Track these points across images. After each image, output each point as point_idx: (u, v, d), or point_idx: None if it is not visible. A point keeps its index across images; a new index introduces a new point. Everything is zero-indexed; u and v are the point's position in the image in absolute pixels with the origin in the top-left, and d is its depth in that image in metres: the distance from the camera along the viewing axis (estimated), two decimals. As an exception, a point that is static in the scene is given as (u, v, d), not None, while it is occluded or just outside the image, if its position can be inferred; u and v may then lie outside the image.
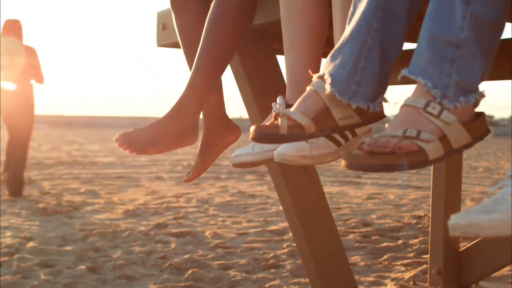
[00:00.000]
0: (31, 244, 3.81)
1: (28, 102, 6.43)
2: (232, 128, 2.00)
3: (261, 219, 4.85)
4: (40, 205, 5.31)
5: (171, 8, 1.99)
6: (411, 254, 3.71)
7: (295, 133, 1.31)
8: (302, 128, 1.31)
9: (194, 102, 1.79)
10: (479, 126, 1.18)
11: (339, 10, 1.52)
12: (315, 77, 1.35)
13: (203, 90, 1.80)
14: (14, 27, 6.51)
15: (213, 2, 1.84)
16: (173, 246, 3.84)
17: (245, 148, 1.59)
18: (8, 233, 4.15)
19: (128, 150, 1.83)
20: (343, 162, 1.13)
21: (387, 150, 1.09)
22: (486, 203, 0.86)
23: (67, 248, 3.76)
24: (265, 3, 1.96)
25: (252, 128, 1.32)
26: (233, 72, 2.20)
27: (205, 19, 1.87)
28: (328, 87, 1.30)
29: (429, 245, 2.79)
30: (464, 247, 2.68)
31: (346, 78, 1.30)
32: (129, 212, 5.14)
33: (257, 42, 2.15)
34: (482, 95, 1.15)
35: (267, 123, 1.37)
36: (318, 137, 1.42)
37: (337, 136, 1.52)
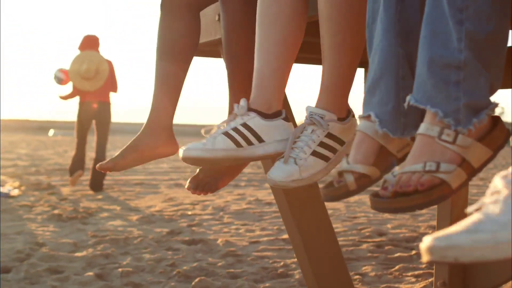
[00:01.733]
0: (42, 250, 3.82)
1: (107, 108, 7.39)
2: (170, 142, 2.02)
3: (275, 227, 4.82)
4: (56, 211, 5.33)
5: (160, 8, 1.99)
6: (424, 265, 3.65)
7: (364, 184, 1.33)
8: (368, 177, 1.32)
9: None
10: (499, 135, 1.16)
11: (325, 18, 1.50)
12: (360, 117, 1.35)
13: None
14: (93, 43, 7.37)
15: (221, 18, 1.84)
16: (183, 253, 3.83)
17: (196, 143, 1.57)
18: (21, 238, 4.17)
19: (203, 194, 1.88)
20: (371, 204, 1.14)
21: (411, 189, 1.09)
22: (468, 223, 0.81)
23: (78, 254, 3.76)
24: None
25: (322, 192, 1.35)
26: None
27: (192, 29, 1.88)
28: (378, 128, 1.29)
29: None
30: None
31: (392, 115, 1.30)
32: (143, 219, 5.14)
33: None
34: (494, 107, 1.13)
35: (335, 183, 1.35)
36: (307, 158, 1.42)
37: (324, 151, 1.51)
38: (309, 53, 2.19)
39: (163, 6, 2.00)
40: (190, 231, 4.63)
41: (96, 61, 7.23)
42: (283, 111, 1.64)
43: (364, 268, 3.58)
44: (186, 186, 1.90)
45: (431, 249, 0.79)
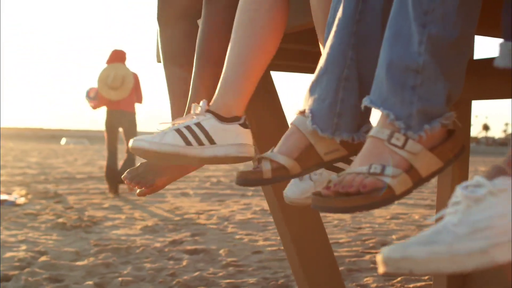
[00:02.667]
0: (43, 258, 3.81)
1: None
2: None
3: (278, 238, 4.79)
4: (60, 220, 5.33)
5: (157, 22, 1.98)
6: (426, 277, 3.62)
7: (280, 176, 1.30)
8: (287, 170, 1.30)
9: None
10: (452, 147, 1.12)
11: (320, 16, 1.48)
12: (296, 112, 1.33)
13: None
14: (119, 56, 7.89)
15: (201, 19, 1.82)
16: (184, 263, 3.81)
17: (147, 136, 1.55)
18: (23, 246, 4.16)
19: (137, 187, 1.84)
20: (311, 203, 1.11)
21: (352, 190, 1.05)
22: (425, 234, 0.78)
23: (79, 263, 3.75)
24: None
25: (237, 174, 1.33)
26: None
27: (191, 36, 1.87)
28: (309, 124, 1.27)
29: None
30: (470, 271, 2.59)
31: (326, 112, 1.27)
32: (147, 228, 5.13)
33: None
34: (450, 117, 1.10)
35: (252, 168, 1.35)
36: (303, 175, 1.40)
37: (339, 164, 1.48)
38: (302, 62, 2.18)
39: (159, 19, 2.00)
40: (193, 240, 4.61)
41: (122, 72, 7.71)
42: (243, 118, 1.62)
43: (366, 279, 3.55)
44: (122, 176, 1.86)
45: (386, 260, 0.76)
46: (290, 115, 2.21)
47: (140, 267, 3.67)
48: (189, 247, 4.29)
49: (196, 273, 3.50)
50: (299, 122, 1.31)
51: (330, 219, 5.75)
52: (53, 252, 4.03)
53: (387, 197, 1.05)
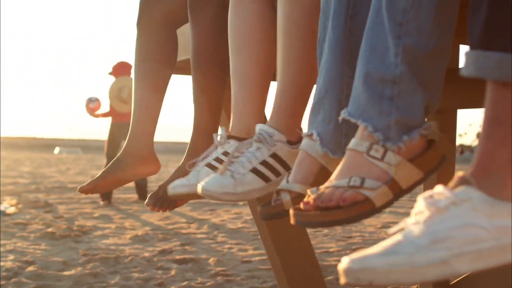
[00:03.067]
0: (31, 268, 3.79)
1: None
2: (151, 160, 2.01)
3: (268, 246, 4.78)
4: (49, 229, 5.31)
5: (136, 27, 1.99)
6: (415, 286, 3.61)
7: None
8: (305, 196, 1.30)
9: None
10: (431, 158, 1.11)
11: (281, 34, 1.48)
12: (304, 136, 1.33)
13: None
14: (126, 69, 7.93)
15: (190, 30, 1.83)
16: (173, 272, 3.80)
17: (182, 180, 1.56)
18: (11, 256, 4.14)
19: (161, 210, 1.86)
20: (291, 219, 1.10)
21: (332, 204, 1.04)
22: (386, 245, 0.77)
23: (66, 273, 3.73)
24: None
25: (259, 209, 1.34)
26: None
27: (169, 43, 1.88)
28: (319, 148, 1.27)
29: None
30: (455, 281, 2.59)
31: (333, 134, 1.27)
32: (137, 237, 5.11)
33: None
34: (428, 128, 1.10)
35: (272, 201, 1.34)
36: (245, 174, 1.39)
37: (265, 171, 1.47)
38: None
39: (139, 24, 2.00)
40: (182, 250, 4.60)
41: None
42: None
43: (354, 288, 3.54)
44: (145, 202, 1.87)
45: (346, 271, 0.75)
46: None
47: (128, 277, 3.65)
48: (178, 257, 4.28)
49: (184, 283, 3.49)
50: (307, 146, 1.31)
51: (320, 228, 5.74)
52: (41, 262, 4.01)
53: (367, 210, 1.04)
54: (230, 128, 1.61)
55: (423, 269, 0.72)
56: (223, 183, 1.43)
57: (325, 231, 5.56)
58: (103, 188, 2.00)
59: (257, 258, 4.31)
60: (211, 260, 4.19)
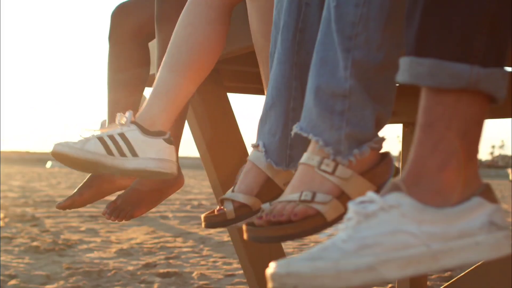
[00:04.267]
0: (13, 282, 3.78)
1: None
2: None
3: (253, 260, 4.78)
4: (34, 243, 5.29)
5: (108, 41, 2.00)
6: (389, 285, 3.62)
7: (243, 214, 1.32)
8: (249, 207, 1.31)
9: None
10: (384, 171, 1.12)
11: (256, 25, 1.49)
12: (251, 146, 1.34)
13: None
14: None
15: (156, 45, 1.84)
16: (155, 286, 3.79)
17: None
18: (-6, 270, 4.13)
19: (117, 220, 1.86)
20: (244, 234, 1.11)
21: (283, 218, 1.05)
22: (313, 250, 0.78)
23: (48, 286, 3.72)
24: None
25: (202, 218, 1.35)
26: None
27: (139, 56, 1.89)
28: (264, 159, 1.28)
29: (396, 283, 2.72)
30: (446, 284, 2.60)
31: (278, 146, 1.28)
32: (122, 251, 5.10)
33: (207, 80, 2.13)
34: (380, 140, 1.11)
35: (216, 210, 1.36)
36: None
37: (110, 144, 1.52)
38: (259, 83, 2.19)
39: (110, 38, 2.02)
40: (166, 263, 4.59)
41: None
42: (168, 133, 1.61)
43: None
44: (102, 211, 1.87)
45: (272, 276, 0.76)
46: (249, 137, 2.22)
47: (110, 290, 3.64)
48: (162, 270, 4.27)
49: (166, 296, 3.49)
50: (254, 157, 1.32)
51: (307, 241, 5.75)
52: (24, 276, 3.99)
53: (319, 224, 1.05)
54: (137, 115, 1.60)
55: (349, 275, 0.73)
56: (69, 144, 1.49)
57: (312, 243, 5.56)
58: (81, 203, 2.00)
59: (241, 272, 4.30)
60: (194, 274, 4.19)
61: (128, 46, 1.97)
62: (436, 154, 0.79)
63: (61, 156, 1.51)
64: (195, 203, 10.54)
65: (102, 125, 1.61)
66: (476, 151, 0.80)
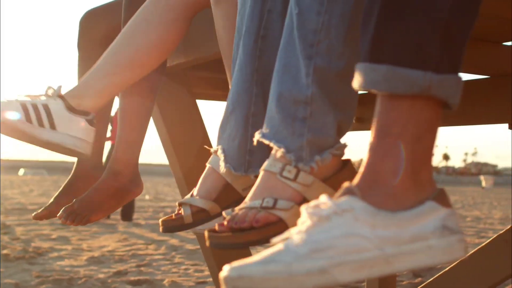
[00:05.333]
0: (-19, 290, 3.75)
1: None
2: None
3: (225, 267, 4.77)
4: (4, 251, 5.23)
5: (77, 48, 1.99)
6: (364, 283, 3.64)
7: (200, 219, 1.31)
8: (207, 212, 1.31)
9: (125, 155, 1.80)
10: (345, 177, 1.12)
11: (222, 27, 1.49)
12: (212, 151, 1.34)
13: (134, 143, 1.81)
14: None
15: None
16: (126, 294, 3.78)
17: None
18: (-38, 279, 4.08)
19: (73, 224, 1.83)
20: (206, 240, 1.11)
21: (245, 225, 1.05)
22: (267, 253, 0.78)
23: (17, 295, 3.69)
24: (186, 42, 1.92)
25: (160, 222, 1.34)
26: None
27: None
28: (222, 164, 1.28)
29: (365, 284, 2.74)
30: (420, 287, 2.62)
31: (237, 151, 1.28)
32: (93, 259, 5.07)
33: (176, 85, 2.13)
34: (341, 147, 1.11)
35: (173, 215, 1.36)
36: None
37: (31, 111, 1.50)
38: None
39: (79, 46, 2.01)
40: (138, 271, 4.57)
41: None
42: (92, 115, 1.60)
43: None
44: (58, 215, 1.84)
45: (225, 279, 0.76)
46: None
47: (80, 298, 3.62)
48: (132, 278, 4.25)
49: (136, 304, 3.47)
50: (213, 162, 1.32)
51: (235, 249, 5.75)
52: (-8, 284, 3.95)
53: (280, 230, 1.04)
54: (67, 91, 1.59)
55: (301, 278, 0.73)
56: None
57: (267, 246, 5.56)
58: (57, 214, 1.98)
59: (212, 279, 4.29)
60: (166, 281, 4.17)
61: (97, 53, 1.96)
62: (389, 159, 0.80)
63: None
64: (168, 210, 10.50)
65: (46, 91, 1.57)
66: (430, 156, 0.81)
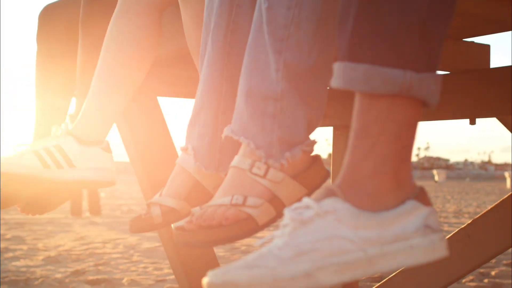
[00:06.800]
0: None
1: None
2: None
3: (184, 265, 4.74)
4: (-43, 252, 5.12)
5: (36, 41, 1.95)
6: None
7: (171, 219, 1.29)
8: (176, 211, 1.29)
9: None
10: (315, 174, 1.11)
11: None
12: (180, 149, 1.31)
13: None
14: None
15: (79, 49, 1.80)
16: (85, 294, 3.72)
17: (3, 156, 1.50)
18: None
19: (30, 214, 1.80)
20: (173, 238, 1.09)
21: (214, 222, 1.03)
22: (250, 258, 0.76)
23: (-28, 297, 3.60)
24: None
25: (129, 223, 1.34)
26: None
27: (71, 56, 1.85)
28: (192, 163, 1.25)
29: None
30: (377, 285, 2.62)
31: (208, 149, 1.25)
32: (49, 258, 4.98)
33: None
34: (311, 143, 1.10)
35: (142, 215, 1.34)
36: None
37: (46, 156, 1.48)
38: (190, 87, 2.17)
39: (39, 38, 1.98)
40: (96, 270, 4.51)
41: None
42: (106, 141, 1.59)
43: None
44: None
45: (209, 286, 0.74)
46: (179, 141, 2.20)
47: (37, 300, 3.55)
48: (91, 277, 4.18)
49: (96, 304, 3.42)
50: (183, 160, 1.30)
51: (238, 245, 5.74)
52: None
53: (250, 228, 1.04)
54: (72, 126, 1.57)
55: (286, 282, 0.72)
56: (3, 159, 1.46)
57: (243, 247, 5.56)
58: (5, 204, 1.93)
59: (171, 277, 4.26)
60: (125, 280, 4.12)
61: (56, 47, 1.93)
62: (369, 159, 0.79)
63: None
64: (125, 208, 10.41)
65: (53, 132, 1.56)
66: (409, 154, 0.81)
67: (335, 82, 0.82)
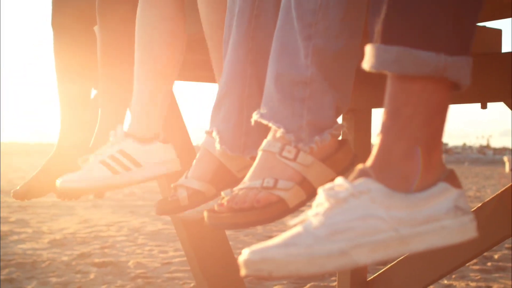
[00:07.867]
0: None
1: None
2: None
3: (189, 248, 4.77)
4: (-37, 235, 5.15)
5: (51, 27, 1.96)
6: (334, 284, 3.68)
7: (197, 201, 1.32)
8: (202, 193, 1.31)
9: None
10: (343, 157, 1.13)
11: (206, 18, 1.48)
12: (205, 133, 1.33)
13: None
14: None
15: (98, 34, 1.81)
16: (92, 276, 3.74)
17: (73, 174, 1.55)
18: None
19: (25, 200, 1.84)
20: (206, 220, 1.10)
21: (246, 205, 1.04)
22: (286, 236, 0.78)
23: (-20, 279, 3.63)
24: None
25: (155, 204, 1.36)
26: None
27: (88, 45, 1.86)
28: (218, 146, 1.26)
29: (336, 275, 2.75)
30: (372, 277, 2.65)
31: (233, 132, 1.27)
32: (55, 241, 5.01)
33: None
34: (339, 127, 1.11)
35: (169, 197, 1.36)
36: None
37: (112, 163, 1.53)
38: (203, 70, 2.18)
39: (54, 24, 1.98)
40: (102, 253, 4.54)
41: None
42: (161, 134, 1.63)
43: (275, 286, 3.58)
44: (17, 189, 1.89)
45: (246, 263, 0.76)
46: (192, 125, 2.21)
47: (46, 282, 3.58)
48: (97, 260, 4.22)
49: (104, 286, 3.45)
50: (208, 144, 1.31)
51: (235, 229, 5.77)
52: (-47, 269, 3.88)
53: (281, 210, 1.05)
54: (128, 127, 1.60)
55: (323, 260, 0.73)
56: (73, 175, 1.52)
57: (246, 230, 5.59)
58: (39, 192, 1.96)
59: (177, 260, 4.29)
60: (131, 263, 4.15)
61: (72, 29, 1.94)
62: (401, 141, 0.80)
63: (71, 191, 1.54)
64: (126, 191, 10.44)
65: (111, 139, 1.61)
66: (440, 137, 0.82)
67: (368, 63, 0.83)
